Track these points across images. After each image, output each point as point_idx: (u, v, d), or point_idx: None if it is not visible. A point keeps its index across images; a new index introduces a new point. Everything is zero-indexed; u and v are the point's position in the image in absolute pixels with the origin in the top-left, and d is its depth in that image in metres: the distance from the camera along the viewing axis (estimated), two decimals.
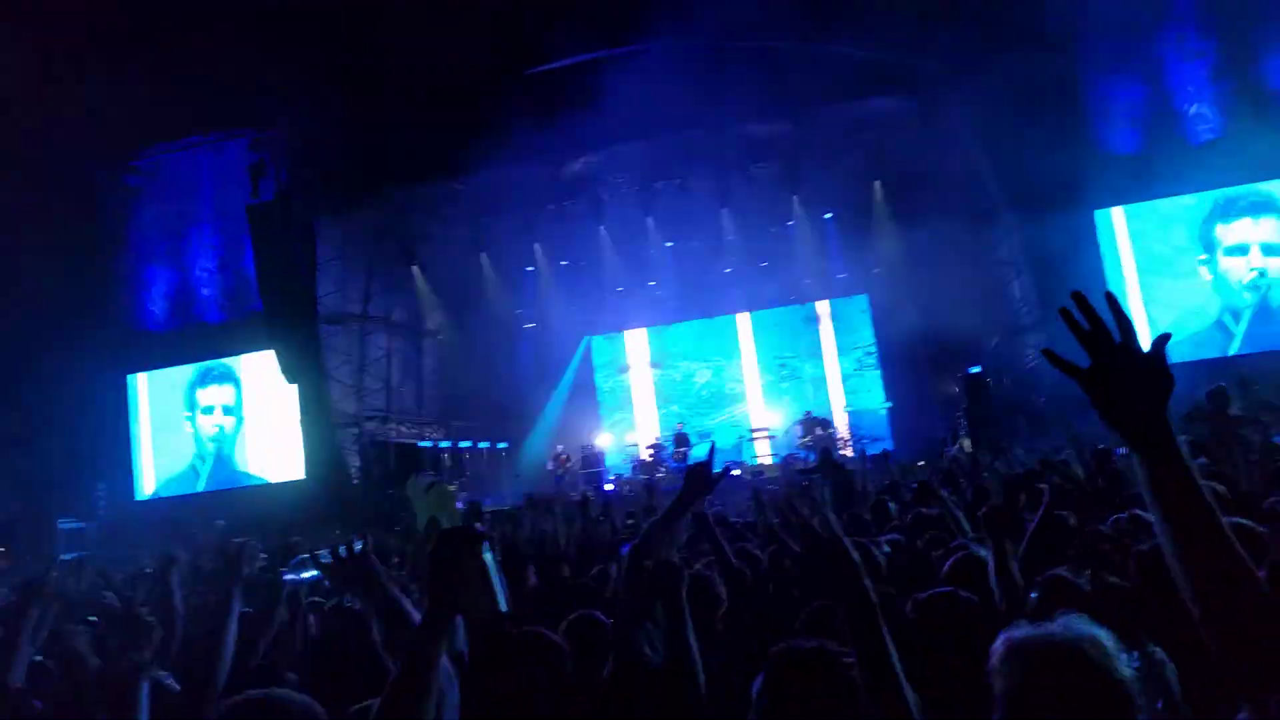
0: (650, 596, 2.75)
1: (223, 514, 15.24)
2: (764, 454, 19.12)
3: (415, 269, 20.14)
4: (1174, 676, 2.35)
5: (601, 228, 20.06)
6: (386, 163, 17.00)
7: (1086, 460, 6.66)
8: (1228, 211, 16.09)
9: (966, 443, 14.70)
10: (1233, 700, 1.42)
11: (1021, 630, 1.64)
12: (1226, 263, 16.00)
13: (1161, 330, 1.59)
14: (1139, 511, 4.37)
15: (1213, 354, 15.40)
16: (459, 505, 14.85)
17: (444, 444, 19.06)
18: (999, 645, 1.63)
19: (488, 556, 2.03)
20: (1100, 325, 1.49)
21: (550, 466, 19.07)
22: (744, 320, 21.46)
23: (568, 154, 18.22)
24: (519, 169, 17.94)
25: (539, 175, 18.80)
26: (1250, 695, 1.32)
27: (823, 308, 21.13)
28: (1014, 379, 16.55)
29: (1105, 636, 1.58)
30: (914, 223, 18.54)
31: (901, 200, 18.80)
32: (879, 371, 20.40)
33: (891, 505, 6.94)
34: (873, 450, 14.56)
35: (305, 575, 5.75)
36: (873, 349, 20.57)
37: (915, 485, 8.08)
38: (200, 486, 19.71)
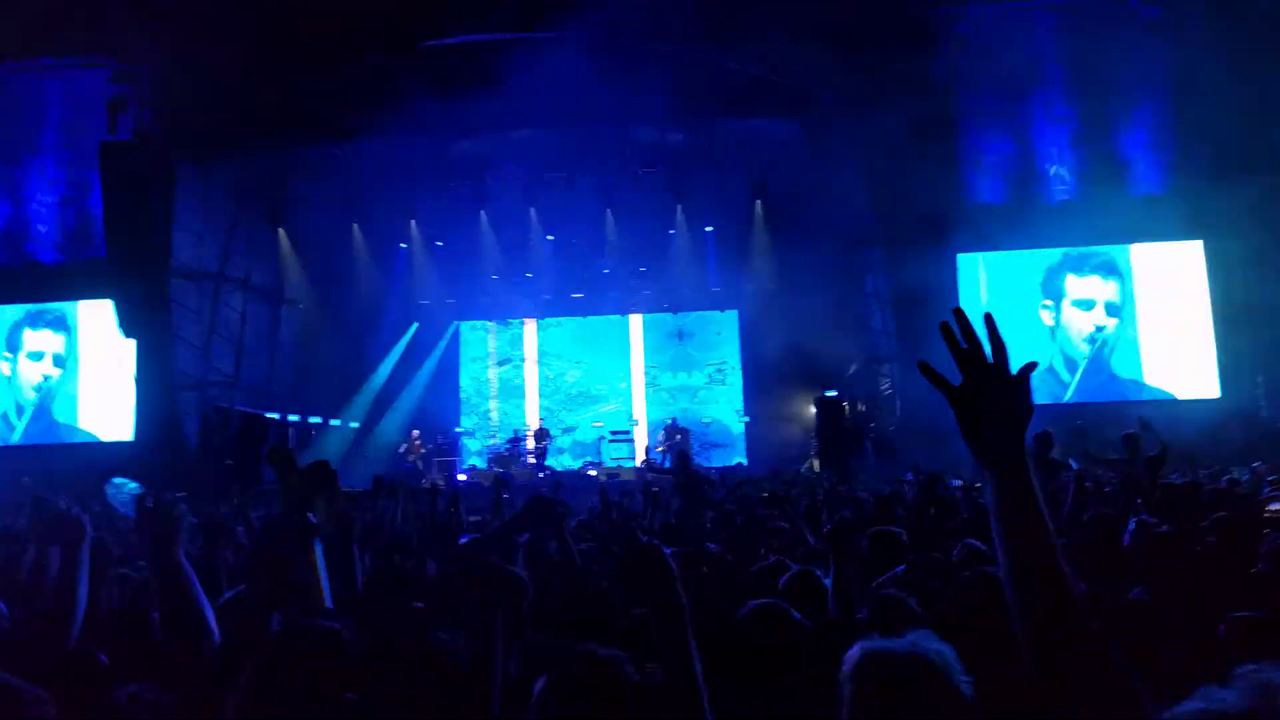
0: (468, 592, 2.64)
1: (37, 470, 14.05)
2: (623, 457, 19.19)
3: (281, 232, 19.21)
4: None
5: (483, 212, 19.68)
6: (262, 116, 16.13)
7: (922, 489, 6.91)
8: (1081, 266, 17.22)
9: (815, 463, 15.15)
10: None
11: (877, 642, 1.67)
12: (1071, 313, 17.11)
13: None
14: (971, 540, 4.57)
15: (1046, 400, 16.44)
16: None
17: (292, 417, 18.23)
18: (854, 653, 1.66)
19: (318, 551, 1.90)
20: (976, 344, 1.51)
21: (402, 451, 18.54)
22: (619, 323, 21.49)
23: (455, 133, 17.78)
24: (403, 141, 17.40)
25: (423, 151, 18.26)
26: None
27: (692, 318, 21.41)
28: (867, 406, 17.19)
29: (950, 654, 1.62)
30: (790, 246, 19.07)
31: (780, 222, 19.29)
32: (739, 386, 20.81)
33: (739, 517, 7.01)
34: (724, 463, 14.83)
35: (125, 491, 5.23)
36: (725, 364, 20.99)
37: (765, 496, 8.23)
38: (15, 439, 18.14)
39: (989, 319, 1.53)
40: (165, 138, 16.19)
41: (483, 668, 2.49)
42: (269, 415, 17.52)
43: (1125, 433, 7.42)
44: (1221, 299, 16.36)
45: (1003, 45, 16.94)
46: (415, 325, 20.89)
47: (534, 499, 3.33)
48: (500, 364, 21.66)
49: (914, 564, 4.34)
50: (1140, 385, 16.70)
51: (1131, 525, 4.30)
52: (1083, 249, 17.21)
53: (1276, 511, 5.74)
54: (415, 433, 18.99)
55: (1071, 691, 1.34)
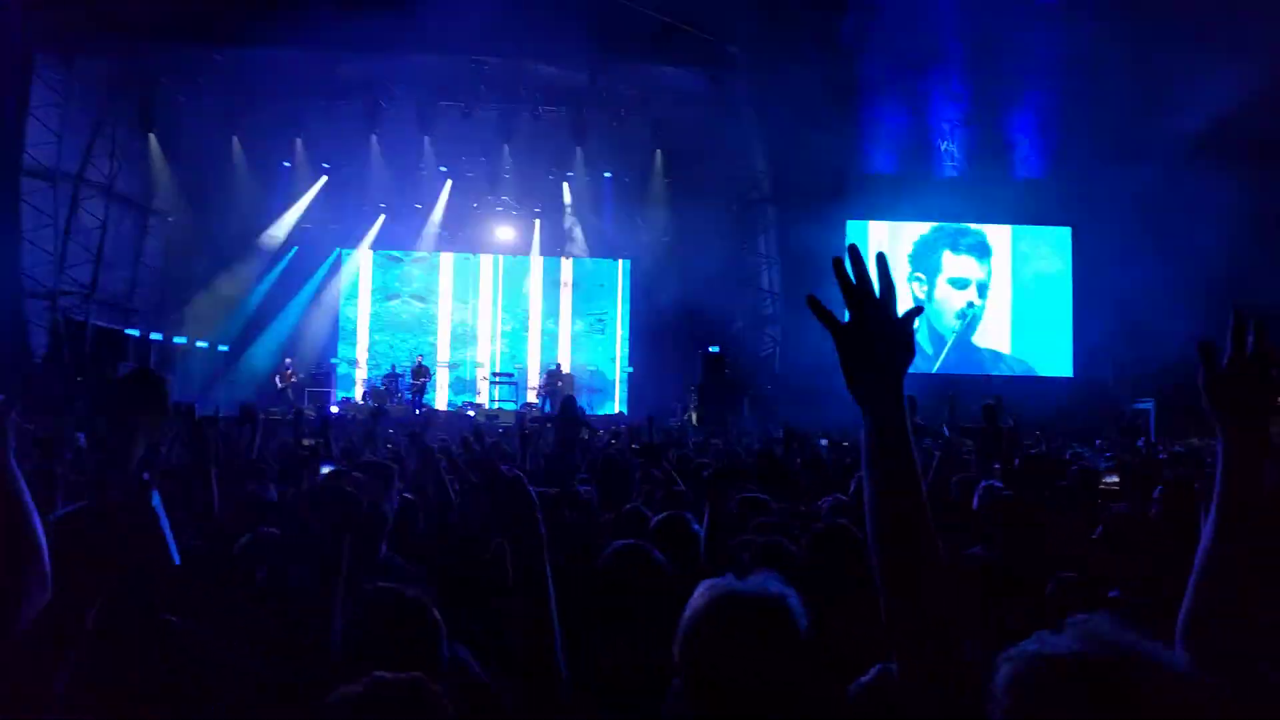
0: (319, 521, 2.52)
1: None
2: (504, 399, 19.04)
3: (152, 137, 17.92)
4: None
5: (374, 137, 18.83)
6: (136, 7, 14.93)
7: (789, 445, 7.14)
8: (956, 244, 17.85)
9: (693, 415, 15.37)
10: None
11: (719, 582, 1.70)
12: (945, 290, 17.78)
13: None
14: (838, 495, 4.70)
15: (913, 369, 17.08)
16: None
17: (155, 336, 17.23)
18: (701, 590, 1.69)
19: (157, 505, 1.77)
20: (866, 283, 1.52)
21: (276, 380, 17.84)
22: (510, 262, 21.14)
23: (348, 49, 16.89)
24: (291, 54, 16.43)
25: (312, 65, 17.31)
26: (905, 649, 1.40)
27: (584, 265, 21.24)
28: (749, 363, 17.50)
29: (792, 596, 1.67)
30: (687, 199, 19.08)
31: (679, 174, 19.24)
32: (625, 336, 20.85)
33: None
34: (606, 411, 14.86)
35: None
36: (606, 314, 20.98)
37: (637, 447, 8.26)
38: None
39: (881, 259, 1.53)
40: (22, 20, 14.78)
41: (323, 600, 2.38)
42: (129, 332, 16.51)
43: (985, 403, 7.80)
44: (1083, 284, 17.29)
45: (908, 16, 17.21)
46: (295, 249, 19.96)
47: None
48: (384, 297, 21.00)
49: (780, 515, 4.43)
50: (1000, 359, 17.55)
51: (981, 488, 4.49)
52: (957, 224, 17.84)
53: (1111, 484, 6.16)
54: (288, 360, 18.28)
55: (921, 623, 1.38)
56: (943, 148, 18.08)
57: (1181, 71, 13.75)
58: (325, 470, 5.32)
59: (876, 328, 1.50)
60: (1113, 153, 15.60)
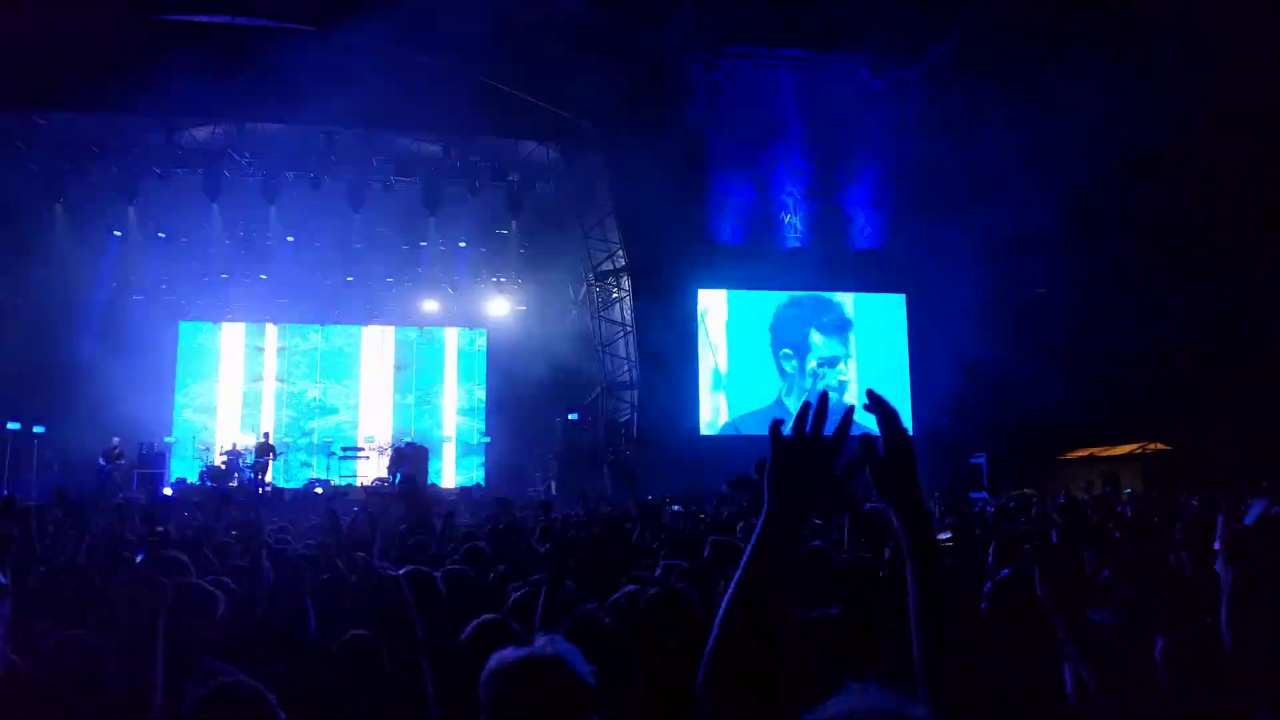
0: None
1: None
2: (350, 475, 18.33)
3: None
4: None
5: (215, 206, 18.09)
6: None
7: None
8: (821, 323, 18.58)
9: (552, 484, 15.24)
10: None
11: (507, 651, 1.82)
12: (818, 369, 18.41)
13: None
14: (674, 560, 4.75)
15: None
16: None
17: None
18: (489, 664, 1.81)
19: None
20: (896, 420, 1.68)
21: (101, 461, 16.50)
22: (359, 334, 20.58)
23: (190, 117, 16.32)
24: (125, 119, 15.70)
25: (148, 131, 16.59)
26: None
27: (447, 334, 20.94)
28: (607, 430, 17.57)
29: (574, 652, 1.81)
30: (542, 268, 19.21)
31: (534, 244, 19.37)
32: (482, 405, 20.57)
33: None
34: (464, 483, 14.54)
35: None
36: (477, 383, 20.73)
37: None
38: None
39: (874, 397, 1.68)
40: None
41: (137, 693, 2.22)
42: None
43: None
44: (917, 347, 18.35)
45: (751, 97, 18.18)
46: (126, 321, 18.73)
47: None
48: (225, 370, 19.97)
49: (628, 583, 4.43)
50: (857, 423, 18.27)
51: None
52: (810, 293, 18.67)
53: (945, 540, 6.44)
54: (115, 440, 16.96)
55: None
56: (786, 220, 18.97)
57: (1004, 142, 14.99)
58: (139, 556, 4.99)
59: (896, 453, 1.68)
60: (940, 223, 16.77)
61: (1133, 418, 15.24)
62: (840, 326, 18.68)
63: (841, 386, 18.30)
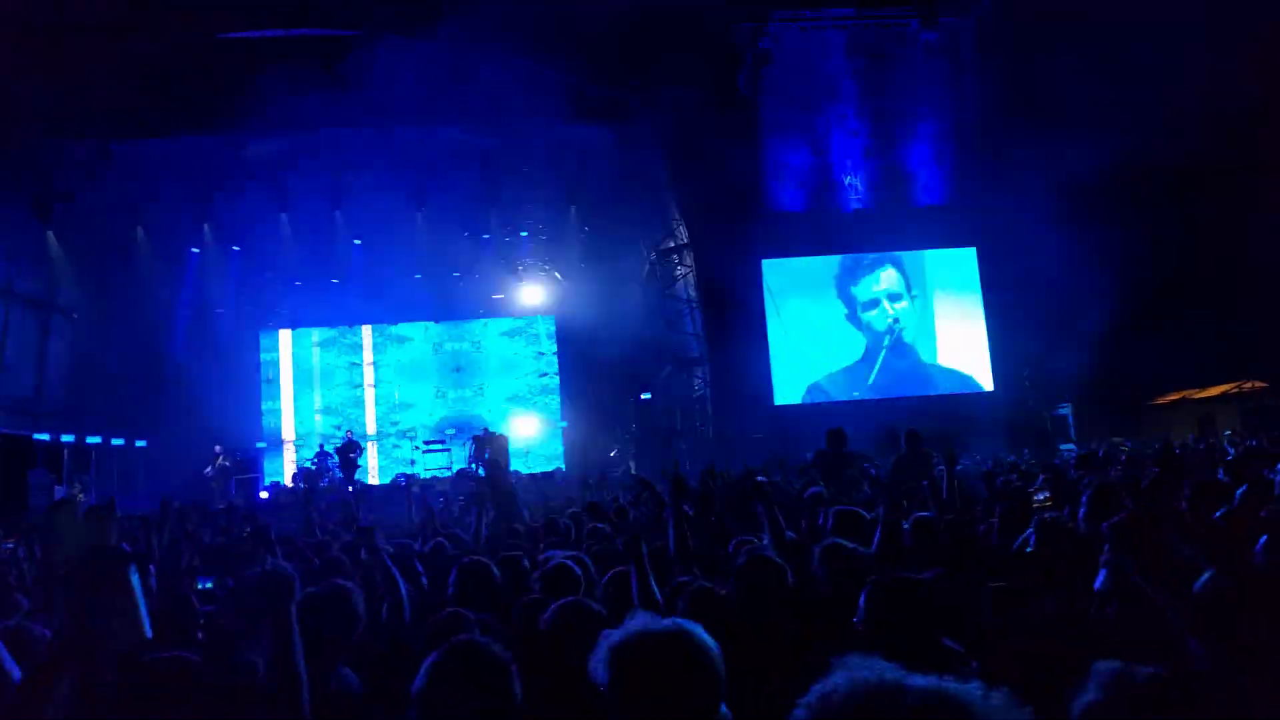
0: (258, 612, 2.46)
1: None
2: (437, 467, 18.73)
3: (50, 234, 17.39)
4: None
5: (284, 215, 18.61)
6: (25, 104, 14.58)
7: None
8: (855, 272, 18.38)
9: (632, 465, 15.35)
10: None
11: (631, 625, 1.82)
12: (867, 316, 18.25)
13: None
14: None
15: (853, 390, 17.51)
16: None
17: (66, 438, 16.51)
18: (612, 638, 1.79)
19: (134, 579, 1.76)
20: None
21: (208, 470, 17.21)
22: (437, 329, 20.99)
23: (253, 131, 16.76)
24: (194, 139, 16.21)
25: (216, 149, 17.10)
26: None
27: (517, 324, 21.21)
28: (681, 407, 17.61)
29: (701, 630, 1.79)
30: (604, 251, 19.27)
31: (595, 227, 19.43)
32: (556, 390, 20.80)
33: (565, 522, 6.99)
34: (544, 468, 14.77)
35: None
36: (549, 369, 20.96)
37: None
38: None
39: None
40: None
41: (285, 693, 2.31)
42: (37, 437, 15.81)
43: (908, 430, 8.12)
44: (993, 301, 17.92)
45: (801, 61, 17.90)
46: (211, 334, 19.45)
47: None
48: (308, 374, 20.58)
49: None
50: (930, 369, 18.03)
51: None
52: (872, 254, 18.40)
53: (1044, 501, 6.24)
54: (217, 448, 17.64)
55: None
56: (846, 181, 18.68)
57: (1067, 96, 14.52)
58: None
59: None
60: (1008, 175, 16.32)
61: (1226, 356, 14.65)
62: (890, 263, 18.41)
63: (897, 328, 18.08)
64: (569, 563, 4.02)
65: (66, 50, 14.37)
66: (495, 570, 4.02)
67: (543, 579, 3.95)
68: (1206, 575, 2.84)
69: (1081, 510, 4.39)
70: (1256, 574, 3.01)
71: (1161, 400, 15.77)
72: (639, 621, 1.83)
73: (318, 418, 20.41)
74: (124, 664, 2.42)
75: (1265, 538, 3.03)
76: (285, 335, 20.61)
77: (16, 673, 2.03)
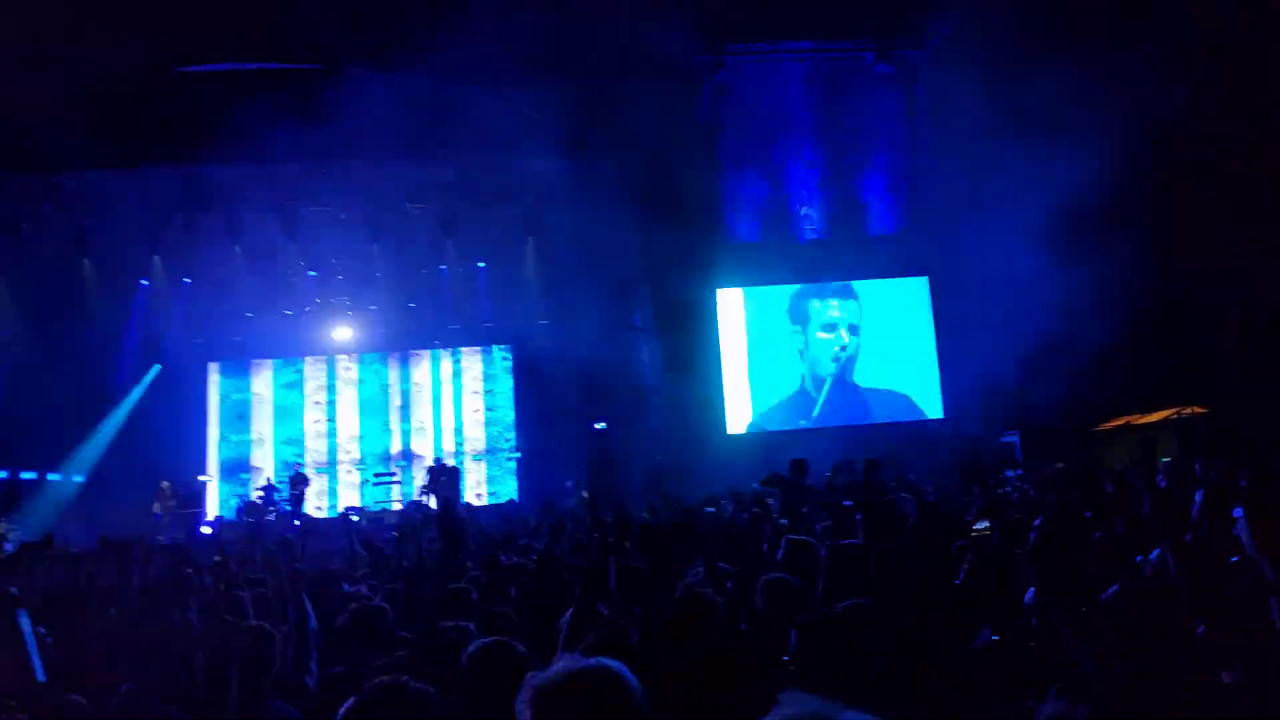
0: None
1: None
2: (385, 500, 18.50)
3: None
4: None
5: (237, 247, 18.39)
6: None
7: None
8: (823, 292, 18.55)
9: (585, 494, 15.25)
10: None
11: (543, 673, 1.82)
12: (819, 336, 18.37)
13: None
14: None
15: (799, 420, 17.59)
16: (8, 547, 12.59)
17: (0, 473, 16.08)
18: (525, 688, 1.80)
19: (24, 623, 1.71)
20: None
21: (156, 506, 16.85)
22: (391, 359, 20.80)
23: (205, 162, 16.62)
24: (144, 171, 16.04)
25: (169, 180, 16.92)
26: None
27: (471, 353, 21.09)
28: (636, 437, 17.56)
29: (621, 669, 1.79)
30: (561, 282, 19.26)
31: (551, 259, 19.41)
32: (512, 423, 20.65)
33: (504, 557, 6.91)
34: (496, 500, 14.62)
35: None
36: (504, 400, 20.82)
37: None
38: None
39: None
40: None
41: None
42: None
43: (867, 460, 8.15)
44: (944, 329, 18.13)
45: (759, 92, 18.15)
46: (156, 367, 19.10)
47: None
48: (252, 404, 20.26)
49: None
50: (878, 395, 18.16)
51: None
52: (824, 283, 18.59)
53: (982, 530, 6.24)
54: (164, 483, 17.29)
55: None
56: (802, 212, 18.88)
57: (1016, 128, 14.79)
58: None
59: None
60: (959, 204, 16.58)
61: (1168, 381, 14.91)
62: (841, 293, 18.59)
63: (844, 355, 18.23)
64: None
65: (13, 81, 14.18)
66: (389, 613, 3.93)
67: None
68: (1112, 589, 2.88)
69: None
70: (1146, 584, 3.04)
71: (1106, 426, 16.00)
72: (562, 662, 1.83)
73: (265, 450, 20.06)
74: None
75: (1157, 550, 3.06)
76: (234, 366, 20.31)
77: None
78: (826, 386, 18.11)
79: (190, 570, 7.23)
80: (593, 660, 1.82)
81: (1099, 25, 14.37)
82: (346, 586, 6.20)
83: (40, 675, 1.83)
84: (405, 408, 20.67)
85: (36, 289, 17.60)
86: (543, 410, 19.35)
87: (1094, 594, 3.04)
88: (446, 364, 21.00)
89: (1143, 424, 15.11)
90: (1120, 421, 15.78)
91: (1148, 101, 13.64)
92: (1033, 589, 3.99)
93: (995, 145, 15.35)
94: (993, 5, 15.35)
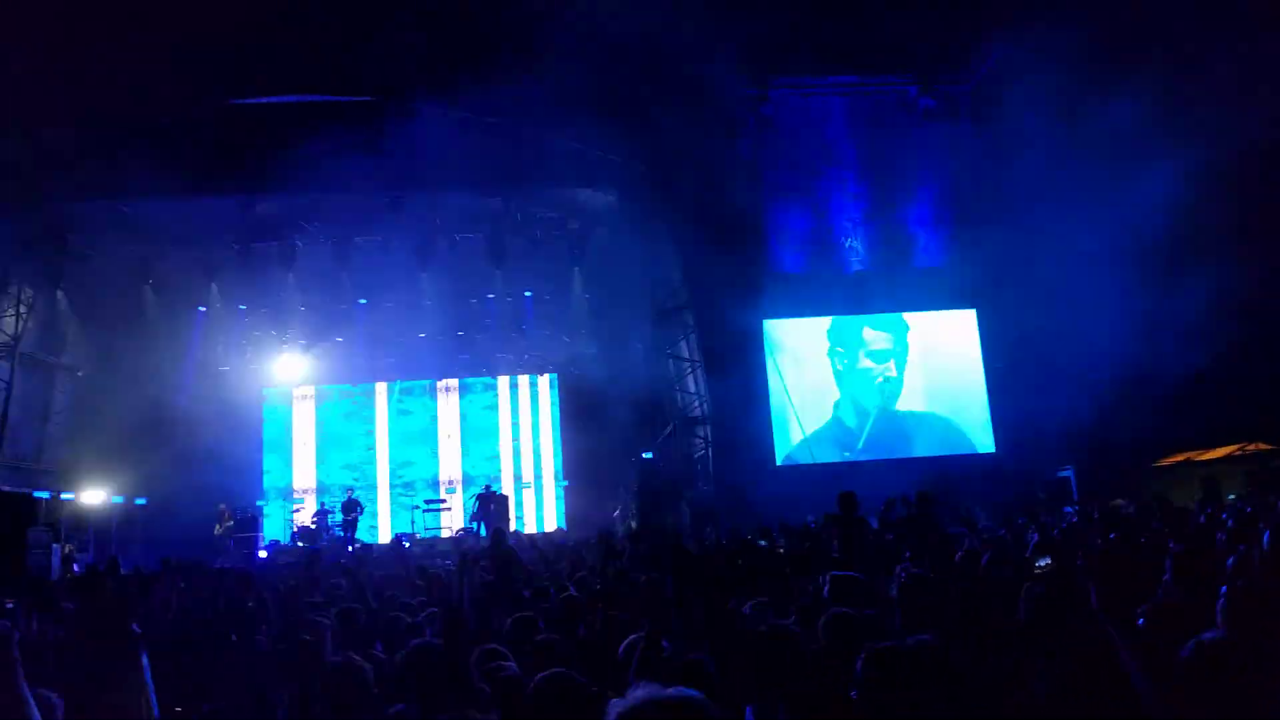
0: None
1: None
2: (435, 527, 18.64)
3: (60, 293, 17.59)
4: None
5: (290, 275, 18.82)
6: (40, 168, 14.88)
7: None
8: (867, 323, 18.50)
9: (633, 523, 15.26)
10: None
11: (633, 696, 1.80)
12: (865, 363, 18.27)
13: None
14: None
15: (843, 451, 17.47)
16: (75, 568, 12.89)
17: (66, 496, 16.49)
18: (610, 714, 1.77)
19: (144, 660, 1.80)
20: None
21: (216, 528, 17.17)
22: (440, 386, 21.07)
23: (261, 192, 17.06)
24: (201, 201, 16.52)
25: (225, 210, 17.39)
26: None
27: (514, 382, 21.28)
28: (682, 467, 17.55)
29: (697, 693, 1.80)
30: (607, 312, 19.42)
31: (598, 289, 19.60)
32: (558, 450, 20.77)
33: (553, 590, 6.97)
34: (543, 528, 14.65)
35: None
36: (551, 428, 20.95)
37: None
38: None
39: None
40: None
41: None
42: (38, 495, 15.79)
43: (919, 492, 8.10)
44: (994, 362, 17.95)
45: (803, 125, 18.24)
46: (215, 392, 19.52)
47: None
48: (306, 432, 20.60)
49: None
50: (923, 421, 17.98)
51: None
52: (870, 315, 18.53)
53: (1044, 568, 6.14)
54: (222, 506, 17.62)
55: None
56: (847, 244, 18.87)
57: (1062, 160, 14.74)
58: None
59: None
60: (1006, 235, 16.47)
61: (1231, 417, 14.59)
62: (891, 325, 18.47)
63: (889, 386, 18.09)
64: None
65: (83, 113, 14.70)
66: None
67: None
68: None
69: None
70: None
71: (1165, 462, 15.68)
72: (643, 690, 1.83)
73: (314, 475, 20.35)
74: None
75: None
76: (287, 393, 20.68)
77: None
78: (872, 419, 18.00)
79: (251, 602, 7.34)
80: (674, 690, 1.82)
81: (1146, 56, 14.26)
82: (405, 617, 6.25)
83: (155, 711, 1.90)
84: (454, 435, 20.88)
85: (102, 314, 18.12)
86: (589, 439, 19.44)
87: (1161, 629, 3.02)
88: (494, 392, 21.22)
89: (1205, 460, 14.79)
90: (1181, 457, 15.45)
91: (1208, 127, 13.50)
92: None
93: (1042, 177, 15.29)
94: (1037, 39, 15.35)
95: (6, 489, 15.33)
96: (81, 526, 16.33)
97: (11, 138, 14.06)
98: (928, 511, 9.45)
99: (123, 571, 10.31)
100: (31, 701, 1.90)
